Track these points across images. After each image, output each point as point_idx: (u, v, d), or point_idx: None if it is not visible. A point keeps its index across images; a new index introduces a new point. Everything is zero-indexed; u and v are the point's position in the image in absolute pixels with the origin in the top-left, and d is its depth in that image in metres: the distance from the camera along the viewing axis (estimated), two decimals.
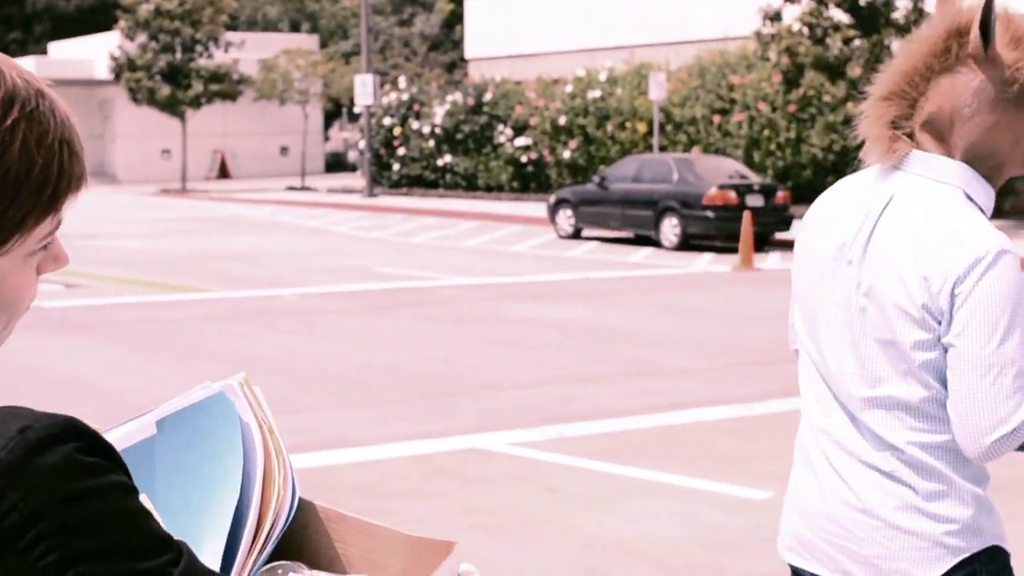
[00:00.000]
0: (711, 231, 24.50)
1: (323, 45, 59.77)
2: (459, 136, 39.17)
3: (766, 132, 31.16)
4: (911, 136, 2.74)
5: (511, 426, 9.80)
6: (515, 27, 40.86)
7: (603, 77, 35.75)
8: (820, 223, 2.87)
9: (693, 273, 21.19)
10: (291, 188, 44.91)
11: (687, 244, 24.78)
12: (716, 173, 25.44)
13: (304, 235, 28.20)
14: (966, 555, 2.72)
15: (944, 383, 2.67)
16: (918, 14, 23.70)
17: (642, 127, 34.18)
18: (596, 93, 35.42)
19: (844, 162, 30.14)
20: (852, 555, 2.81)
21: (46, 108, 1.41)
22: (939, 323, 2.63)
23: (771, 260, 23.07)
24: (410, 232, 28.85)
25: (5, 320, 1.42)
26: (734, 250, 23.74)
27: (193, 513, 1.56)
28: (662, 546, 6.98)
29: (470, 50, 43.38)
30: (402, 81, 42.29)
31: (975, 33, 2.68)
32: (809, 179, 30.57)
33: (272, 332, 14.42)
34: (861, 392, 2.75)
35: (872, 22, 23.73)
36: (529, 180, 37.85)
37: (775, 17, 24.44)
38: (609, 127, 35.07)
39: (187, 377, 11.45)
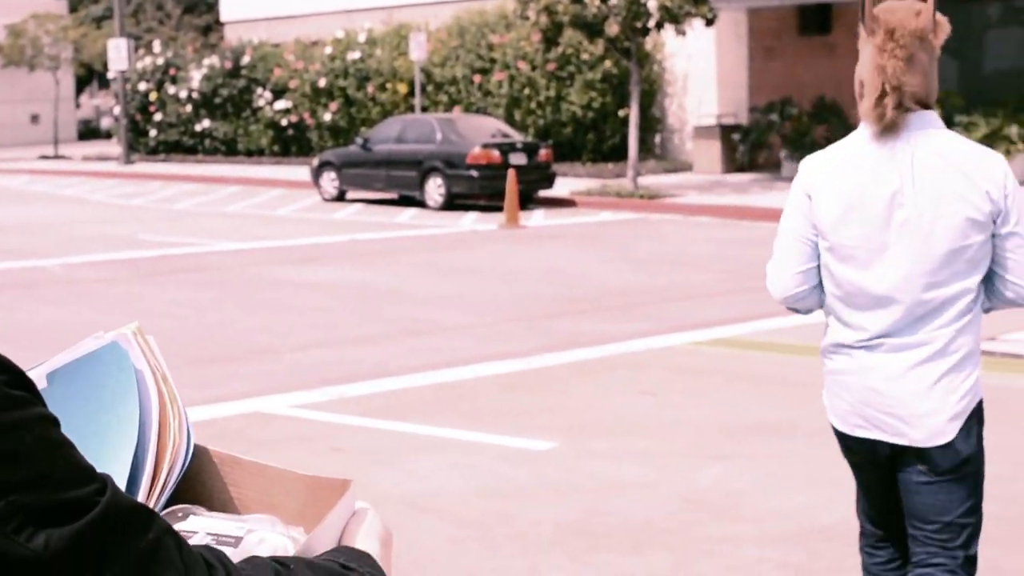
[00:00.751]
0: (476, 190, 24.67)
1: (73, 9, 58.16)
2: (217, 100, 38.59)
3: (526, 91, 31.46)
4: (905, 107, 3.90)
5: (290, 388, 9.79)
6: None
7: (362, 38, 35.59)
8: (845, 184, 3.97)
9: (460, 232, 21.35)
10: (44, 157, 43.71)
11: (452, 204, 24.92)
12: (479, 132, 25.62)
13: (62, 204, 27.52)
14: (978, 400, 4.04)
15: (984, 270, 3.97)
16: None
17: (403, 88, 34.16)
18: (356, 55, 35.27)
19: (603, 119, 30.61)
20: (904, 418, 3.98)
21: None
22: (995, 223, 3.91)
23: (536, 217, 23.36)
24: (171, 199, 28.39)
25: None
26: (499, 208, 23.97)
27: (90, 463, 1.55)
28: (453, 500, 7.09)
29: (226, 12, 42.74)
30: (157, 45, 41.44)
31: (929, 27, 3.93)
32: (570, 137, 30.98)
33: (39, 303, 14.09)
34: (924, 295, 3.94)
35: None
36: (290, 144, 37.53)
37: None
38: (370, 88, 34.96)
39: None
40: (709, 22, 24.47)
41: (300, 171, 32.36)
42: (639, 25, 24.26)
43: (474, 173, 24.42)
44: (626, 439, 8.29)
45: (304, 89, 36.36)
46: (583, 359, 10.85)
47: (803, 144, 27.13)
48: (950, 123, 25.44)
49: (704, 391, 9.63)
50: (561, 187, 26.32)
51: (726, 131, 28.89)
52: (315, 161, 27.86)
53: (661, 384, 9.87)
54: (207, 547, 1.43)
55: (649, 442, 8.20)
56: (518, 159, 24.58)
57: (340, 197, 27.12)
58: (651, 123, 30.96)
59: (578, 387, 9.81)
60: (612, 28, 24.17)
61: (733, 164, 28.86)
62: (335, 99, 35.71)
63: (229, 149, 38.83)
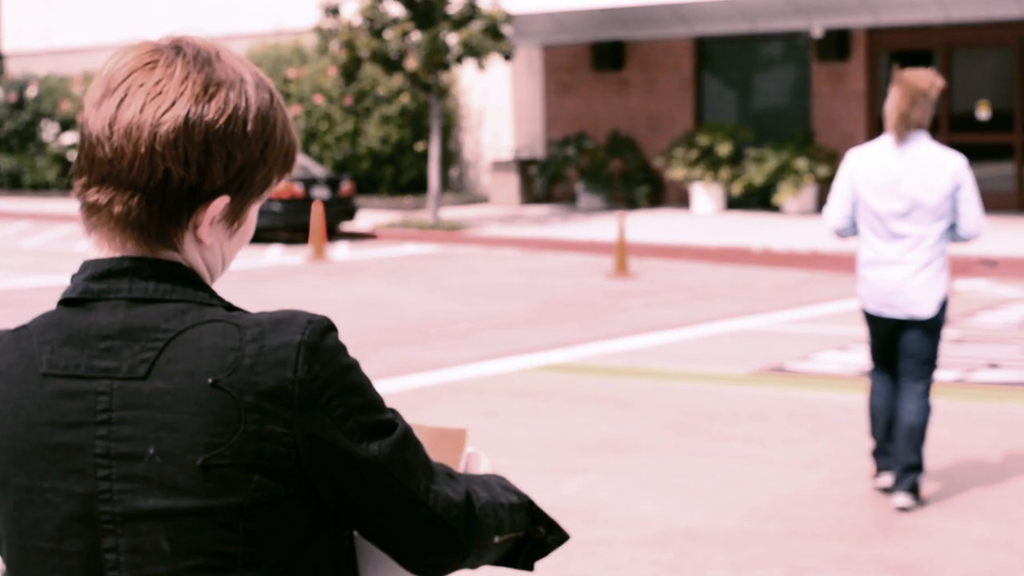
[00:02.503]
0: (278, 224, 24.80)
1: None
2: (1, 134, 37.91)
3: (323, 125, 31.67)
4: (910, 126, 7.28)
5: None
6: (55, 21, 39.83)
7: None
8: (875, 167, 7.30)
9: (268, 266, 21.48)
10: None
11: (254, 237, 24.92)
12: None
13: None
14: (945, 292, 7.28)
15: (950, 221, 7.28)
16: (472, 9, 24.62)
17: None
18: None
19: (400, 153, 30.98)
20: (908, 302, 7.26)
21: (279, 94, 1.94)
22: (957, 191, 7.22)
23: (341, 250, 23.59)
24: None
25: (238, 250, 1.96)
26: (301, 242, 24.15)
27: None
28: None
29: (8, 44, 41.98)
30: None
31: (931, 85, 7.31)
32: (367, 170, 31.25)
33: None
34: (916, 231, 7.21)
35: (428, 17, 24.51)
36: None
37: (335, 11, 24.90)
38: None
39: None
40: (507, 57, 25.02)
41: None
42: (439, 60, 24.70)
43: (277, 207, 24.55)
44: None
45: None
46: (421, 385, 11.19)
47: (599, 177, 27.88)
48: (740, 155, 26.44)
49: (545, 412, 10.05)
50: (362, 220, 26.60)
51: (523, 165, 29.49)
52: None
53: (503, 407, 10.26)
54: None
55: (505, 459, 8.58)
56: (320, 192, 24.79)
57: None
58: (448, 157, 31.44)
59: (423, 410, 10.13)
60: (410, 63, 24.58)
61: (531, 197, 29.48)
62: None
63: (14, 183, 38.16)
